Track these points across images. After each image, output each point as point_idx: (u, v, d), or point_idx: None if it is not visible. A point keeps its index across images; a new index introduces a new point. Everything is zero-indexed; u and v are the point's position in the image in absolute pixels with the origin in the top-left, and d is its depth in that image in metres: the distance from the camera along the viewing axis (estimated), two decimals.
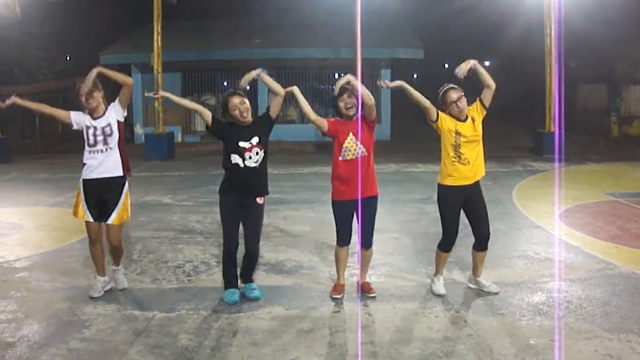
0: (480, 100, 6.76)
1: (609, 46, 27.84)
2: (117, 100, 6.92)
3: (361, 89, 6.55)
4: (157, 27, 22.74)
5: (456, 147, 6.63)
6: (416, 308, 6.52)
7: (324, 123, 6.74)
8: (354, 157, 6.61)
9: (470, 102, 6.72)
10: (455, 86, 6.69)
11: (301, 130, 26.36)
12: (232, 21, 32.26)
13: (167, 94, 7.24)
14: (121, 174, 6.89)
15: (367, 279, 7.20)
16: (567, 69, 21.22)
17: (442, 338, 5.74)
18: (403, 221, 10.68)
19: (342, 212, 6.81)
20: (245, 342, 5.73)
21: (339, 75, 29.04)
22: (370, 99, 6.57)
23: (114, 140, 6.81)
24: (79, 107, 6.94)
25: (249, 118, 6.63)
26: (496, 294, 6.86)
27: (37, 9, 24.64)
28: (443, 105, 6.70)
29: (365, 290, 6.97)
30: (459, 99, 6.58)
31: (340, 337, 5.80)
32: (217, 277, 7.62)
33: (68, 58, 37.19)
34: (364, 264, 7.12)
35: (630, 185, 14.36)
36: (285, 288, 7.24)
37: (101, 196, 6.82)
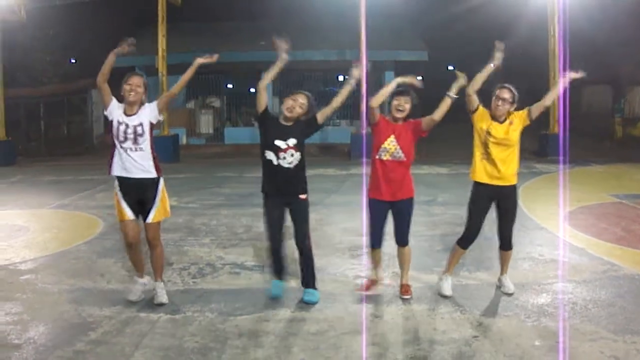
0: (529, 110, 6.79)
1: (613, 48, 27.82)
2: (155, 102, 6.81)
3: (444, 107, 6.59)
4: (161, 30, 22.80)
5: (485, 145, 6.70)
6: (422, 309, 6.53)
7: (376, 113, 6.80)
8: (390, 158, 6.64)
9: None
10: (511, 88, 6.73)
11: None
12: (237, 23, 32.30)
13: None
14: (155, 175, 6.74)
15: (408, 282, 7.06)
16: (571, 70, 21.15)
17: (448, 340, 5.74)
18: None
19: (375, 211, 6.87)
20: (251, 344, 5.74)
21: (343, 77, 29.12)
22: (438, 115, 6.60)
23: (145, 140, 6.64)
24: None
25: (295, 116, 6.70)
26: (509, 294, 6.88)
27: (42, 12, 24.68)
28: (493, 93, 6.76)
29: (401, 292, 6.96)
30: (504, 99, 6.64)
31: (345, 339, 5.80)
32: (222, 279, 7.64)
33: (73, 61, 37.25)
34: (402, 263, 7.09)
35: (635, 187, 14.36)
36: (290, 290, 7.22)
37: (138, 196, 6.70)
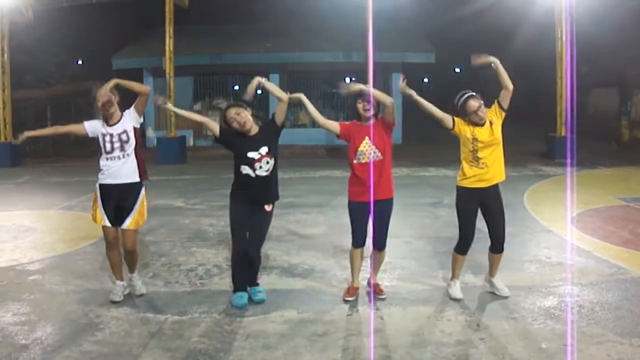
0: (498, 102, 6.75)
1: (620, 50, 27.79)
2: (132, 107, 6.91)
3: (375, 92, 6.60)
4: (168, 31, 22.81)
5: (474, 152, 6.63)
6: (429, 312, 6.53)
7: (334, 126, 6.83)
8: (368, 160, 6.65)
9: (487, 105, 6.72)
10: (474, 94, 6.67)
11: (312, 134, 26.38)
12: (244, 25, 32.34)
13: (174, 109, 7.49)
14: (138, 179, 6.88)
15: (379, 282, 7.21)
16: (578, 73, 21.15)
17: (454, 342, 5.74)
18: (415, 225, 10.68)
19: (357, 214, 6.85)
20: (257, 345, 5.75)
21: (350, 79, 29.14)
22: (387, 99, 6.63)
23: (130, 146, 6.79)
24: (90, 114, 6.97)
25: (249, 127, 6.63)
26: (506, 297, 6.86)
27: (49, 14, 24.73)
28: (462, 113, 6.67)
29: (375, 292, 7.01)
30: (479, 108, 6.57)
31: (352, 341, 5.81)
32: (229, 280, 7.64)
33: (80, 62, 37.32)
34: (376, 265, 7.16)
35: None
36: (297, 291, 7.25)
37: (118, 201, 6.81)
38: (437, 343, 5.72)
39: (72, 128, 7.04)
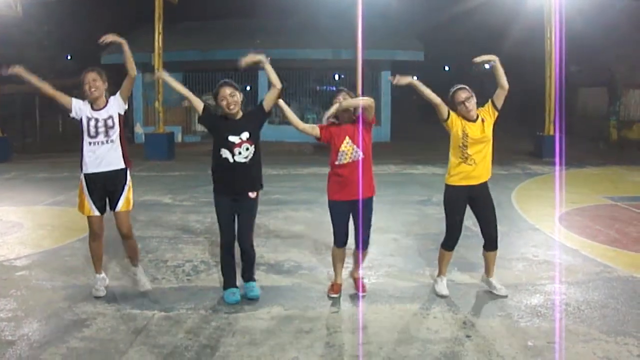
0: (492, 102, 6.77)
1: (609, 50, 27.88)
2: (118, 93, 6.85)
3: (345, 103, 6.57)
4: (158, 27, 22.77)
5: (463, 148, 6.62)
6: (415, 309, 6.54)
7: (315, 130, 6.78)
8: (350, 160, 6.58)
9: (481, 104, 6.73)
10: (465, 87, 6.69)
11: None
12: (233, 21, 32.31)
13: (168, 78, 7.19)
14: (124, 166, 6.83)
15: (361, 277, 7.16)
16: (567, 72, 21.24)
17: (440, 339, 5.76)
18: (403, 222, 10.69)
19: (338, 212, 6.77)
20: (244, 341, 5.75)
21: (339, 77, 29.14)
22: (365, 100, 6.63)
23: (115, 132, 6.73)
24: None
25: (237, 110, 6.60)
26: (504, 297, 6.85)
27: (38, 8, 24.65)
28: (452, 104, 6.69)
29: (356, 287, 7.07)
30: (467, 99, 6.57)
31: (339, 338, 5.82)
32: (217, 276, 7.64)
33: (69, 57, 37.21)
34: (357, 262, 7.10)
35: (630, 189, 14.41)
36: (284, 288, 7.26)
37: (106, 188, 6.75)
38: (423, 340, 5.74)
39: (60, 96, 6.80)
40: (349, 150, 6.58)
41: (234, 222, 6.79)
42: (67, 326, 6.13)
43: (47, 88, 6.84)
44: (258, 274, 7.54)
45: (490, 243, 6.91)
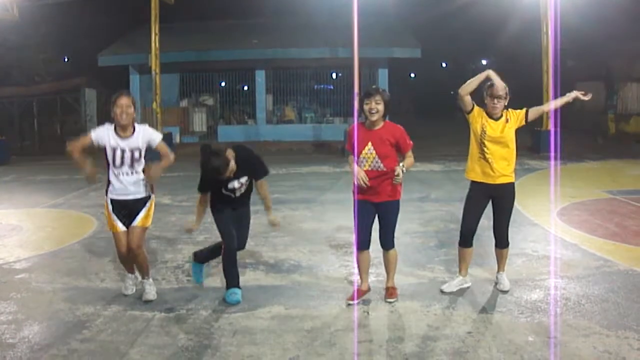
0: (527, 111, 6.85)
1: (605, 44, 27.90)
2: (155, 135, 6.81)
3: (405, 166, 6.35)
4: (154, 28, 22.81)
5: (481, 143, 6.70)
6: (415, 306, 6.54)
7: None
8: (370, 168, 6.39)
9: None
10: (506, 87, 6.69)
11: (299, 130, 26.43)
12: (230, 22, 32.33)
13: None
14: (146, 195, 6.81)
15: (392, 285, 6.91)
16: (563, 67, 21.24)
17: (441, 336, 5.76)
18: (402, 220, 10.63)
19: (360, 211, 6.61)
20: (245, 341, 5.75)
21: (336, 75, 29.12)
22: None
23: (140, 165, 6.66)
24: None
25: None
26: (504, 292, 6.89)
27: (35, 10, 24.65)
28: (485, 93, 6.71)
29: (385, 295, 6.82)
30: (499, 97, 6.62)
31: (339, 336, 5.82)
32: (216, 277, 7.64)
33: (66, 59, 37.18)
34: (386, 266, 6.92)
35: (628, 183, 14.42)
36: (284, 287, 7.26)
37: (129, 209, 6.71)
38: (423, 337, 5.74)
39: (84, 147, 6.65)
40: (369, 157, 6.39)
41: (235, 228, 6.96)
42: (68, 328, 6.13)
43: (76, 153, 6.64)
44: (258, 274, 7.65)
45: (497, 241, 7.03)
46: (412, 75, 55.56)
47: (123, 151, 6.54)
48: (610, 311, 6.25)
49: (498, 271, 7.14)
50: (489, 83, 6.66)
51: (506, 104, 6.74)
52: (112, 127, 6.59)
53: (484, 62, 48.26)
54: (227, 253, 6.89)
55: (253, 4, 34.50)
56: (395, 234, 9.18)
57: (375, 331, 5.94)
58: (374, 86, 6.56)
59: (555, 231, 9.61)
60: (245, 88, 30.30)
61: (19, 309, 6.70)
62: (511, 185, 6.88)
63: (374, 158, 6.37)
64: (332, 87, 28.81)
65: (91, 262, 8.49)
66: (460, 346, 5.53)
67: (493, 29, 34.01)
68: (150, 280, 7.09)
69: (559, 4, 20.29)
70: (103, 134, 6.57)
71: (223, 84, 30.22)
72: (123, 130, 6.56)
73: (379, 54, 26.93)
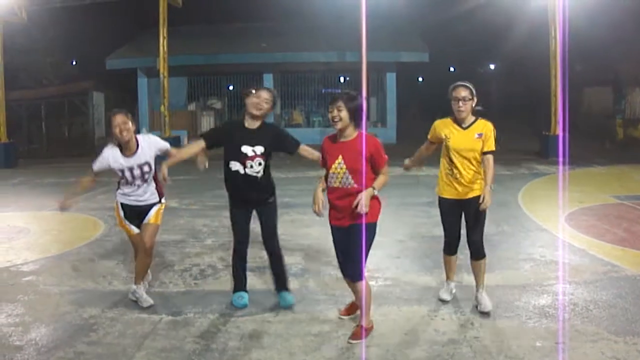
0: (485, 154, 6.28)
1: (613, 48, 27.85)
2: (162, 145, 6.83)
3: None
4: (162, 32, 22.85)
5: (447, 156, 6.44)
6: (422, 311, 6.53)
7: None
8: (340, 186, 5.69)
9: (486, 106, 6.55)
10: (469, 86, 6.27)
11: (307, 134, 26.31)
12: (238, 25, 32.39)
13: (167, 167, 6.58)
14: (157, 200, 6.88)
15: (362, 323, 5.92)
16: (571, 71, 21.21)
17: (448, 340, 5.75)
18: (409, 224, 10.68)
19: (334, 239, 5.99)
20: (252, 345, 5.74)
21: (344, 79, 29.11)
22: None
23: (151, 174, 6.73)
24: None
25: (262, 112, 6.40)
26: (484, 313, 6.34)
27: (43, 14, 24.73)
28: (450, 98, 6.28)
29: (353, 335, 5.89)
30: (464, 98, 6.18)
31: (346, 340, 5.80)
32: (224, 280, 7.65)
33: (74, 63, 37.28)
34: (355, 297, 6.07)
35: (636, 188, 14.37)
36: (292, 292, 7.24)
37: (140, 212, 6.79)
38: (431, 342, 5.73)
39: (87, 182, 6.85)
40: (339, 173, 5.68)
41: (248, 227, 6.74)
42: (75, 331, 6.14)
43: (82, 187, 6.85)
44: (266, 277, 7.56)
45: (471, 250, 6.53)
46: (420, 79, 55.63)
47: (131, 169, 6.57)
48: (618, 317, 6.22)
49: (477, 289, 6.60)
50: (452, 86, 6.34)
51: (474, 105, 6.30)
52: (117, 148, 6.60)
53: (491, 66, 48.32)
54: (234, 253, 6.85)
55: (261, 7, 34.63)
56: (403, 238, 9.15)
57: (382, 335, 5.91)
58: (345, 91, 5.86)
59: (563, 236, 9.57)
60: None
61: (26, 311, 6.71)
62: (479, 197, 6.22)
63: (344, 173, 5.64)
64: (339, 91, 28.79)
65: (98, 265, 8.49)
66: (467, 351, 5.51)
67: (501, 33, 33.99)
68: (141, 286, 6.95)
69: (567, 8, 20.26)
70: (109, 159, 6.59)
71: (231, 87, 30.25)
72: (127, 148, 6.56)
73: (387, 58, 26.94)
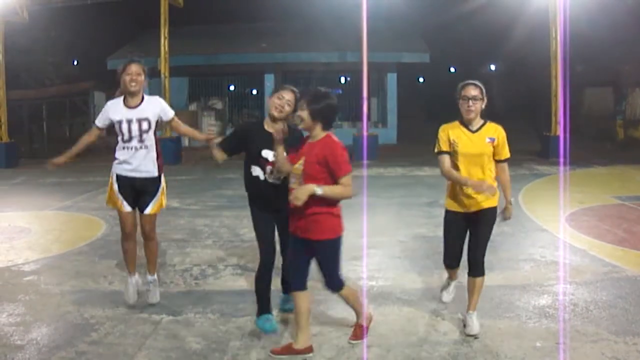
0: (498, 159, 6.09)
1: (614, 49, 27.84)
2: (167, 109, 6.65)
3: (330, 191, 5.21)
4: (164, 32, 22.84)
5: (455, 165, 5.99)
6: (423, 311, 6.53)
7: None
8: (298, 187, 5.23)
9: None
10: (480, 85, 5.86)
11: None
12: (239, 25, 32.38)
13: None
14: (156, 175, 6.54)
15: (362, 322, 5.88)
16: (572, 72, 21.21)
17: (449, 341, 5.75)
18: (410, 224, 10.68)
19: (291, 249, 5.72)
20: (252, 345, 5.75)
21: (345, 79, 29.12)
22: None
23: (150, 138, 6.43)
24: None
25: (283, 115, 5.83)
26: (471, 336, 5.83)
27: (44, 14, 24.74)
28: (458, 98, 5.90)
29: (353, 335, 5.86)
30: (473, 97, 5.76)
31: (347, 340, 5.80)
32: (224, 280, 7.65)
33: (75, 63, 37.29)
34: (346, 303, 5.89)
35: (637, 188, 14.36)
36: None
37: (136, 189, 6.47)
38: (432, 342, 5.73)
39: (91, 138, 6.68)
40: (298, 173, 5.32)
41: (273, 235, 6.12)
42: (76, 330, 6.15)
43: (81, 146, 6.75)
44: None
45: (470, 267, 6.02)
46: (421, 79, 55.64)
47: (130, 122, 6.33)
48: (619, 317, 6.22)
49: (468, 309, 6.02)
50: (460, 85, 5.93)
51: (484, 106, 5.89)
52: (122, 98, 6.46)
53: (492, 67, 48.32)
54: (260, 266, 6.15)
55: (262, 7, 34.62)
56: (404, 238, 9.17)
57: (383, 336, 5.92)
58: (313, 91, 5.41)
59: (563, 237, 9.58)
60: (254, 92, 30.36)
61: (27, 311, 6.72)
62: (493, 210, 6.05)
63: (300, 176, 5.28)
64: (340, 92, 28.80)
65: (99, 265, 8.50)
66: (468, 351, 5.52)
67: (502, 34, 33.93)
68: (156, 279, 6.86)
69: (568, 8, 20.27)
70: (110, 109, 6.45)
71: (232, 87, 30.27)
72: (132, 98, 6.41)
73: (388, 58, 26.95)
